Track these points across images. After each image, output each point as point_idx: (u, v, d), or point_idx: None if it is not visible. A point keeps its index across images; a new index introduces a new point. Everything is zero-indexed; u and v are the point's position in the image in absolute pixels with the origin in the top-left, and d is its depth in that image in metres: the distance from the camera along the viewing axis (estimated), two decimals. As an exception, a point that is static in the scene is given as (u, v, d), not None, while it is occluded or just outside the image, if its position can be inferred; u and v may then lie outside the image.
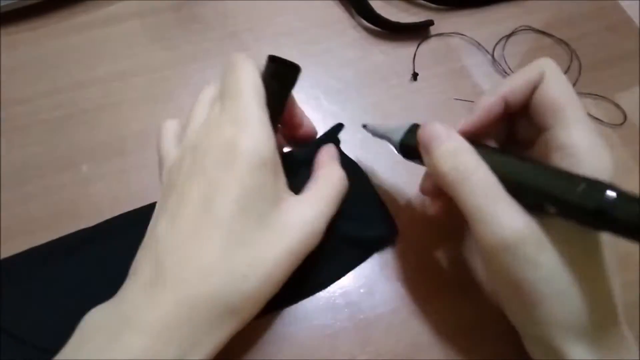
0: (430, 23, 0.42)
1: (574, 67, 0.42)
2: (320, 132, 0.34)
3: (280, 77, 0.28)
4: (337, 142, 0.34)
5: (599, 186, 0.21)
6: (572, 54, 0.43)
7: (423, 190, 0.31)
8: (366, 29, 0.43)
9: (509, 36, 0.43)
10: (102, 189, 0.35)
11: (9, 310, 0.30)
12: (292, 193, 0.27)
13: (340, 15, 0.43)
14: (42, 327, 0.29)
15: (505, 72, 0.42)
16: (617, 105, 0.41)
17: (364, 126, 0.33)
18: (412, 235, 0.34)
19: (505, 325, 0.32)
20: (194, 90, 0.30)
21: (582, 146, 0.24)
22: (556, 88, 0.25)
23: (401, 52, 0.42)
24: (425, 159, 0.27)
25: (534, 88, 0.26)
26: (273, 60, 0.27)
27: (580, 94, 0.41)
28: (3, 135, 0.35)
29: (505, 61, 0.42)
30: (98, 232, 0.33)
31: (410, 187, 0.36)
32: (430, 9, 0.44)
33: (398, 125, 0.30)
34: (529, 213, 0.23)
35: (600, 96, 0.41)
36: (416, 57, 0.42)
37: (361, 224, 0.33)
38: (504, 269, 0.23)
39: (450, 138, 0.26)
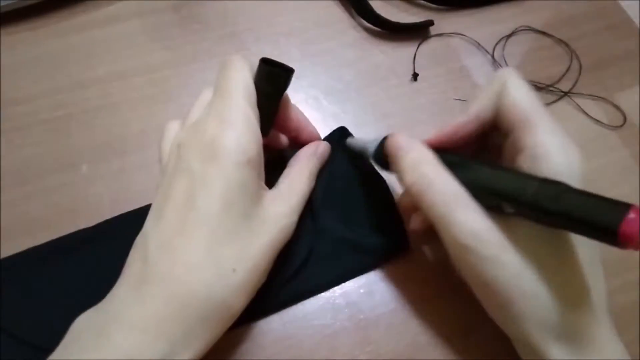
0: (430, 23, 0.42)
1: (574, 67, 0.42)
2: (321, 133, 0.34)
3: (272, 79, 0.28)
4: (341, 146, 0.35)
5: (551, 184, 0.22)
6: (572, 54, 0.43)
7: (402, 206, 0.31)
8: (366, 29, 0.43)
9: (509, 36, 0.43)
10: (102, 189, 0.35)
11: (9, 310, 0.30)
12: (267, 188, 0.28)
13: (340, 15, 0.43)
14: (42, 327, 0.29)
15: (505, 72, 0.42)
16: (617, 107, 0.41)
17: (346, 144, 0.34)
18: (411, 235, 0.34)
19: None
20: (194, 90, 0.30)
21: (547, 146, 0.24)
22: (517, 94, 0.26)
23: (401, 52, 0.42)
24: (394, 171, 0.28)
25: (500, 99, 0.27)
26: (266, 63, 0.27)
27: (580, 94, 0.41)
28: (3, 135, 0.35)
29: (506, 61, 0.42)
30: (98, 232, 0.33)
31: (410, 187, 0.36)
32: (430, 9, 0.44)
33: (375, 138, 0.31)
34: (494, 215, 0.24)
35: (600, 97, 0.41)
36: (416, 57, 0.42)
37: (370, 231, 0.33)
38: (472, 271, 0.24)
39: (411, 149, 0.27)
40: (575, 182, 0.22)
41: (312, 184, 0.31)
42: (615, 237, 0.19)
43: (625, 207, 0.19)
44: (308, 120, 0.33)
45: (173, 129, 0.29)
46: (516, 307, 0.24)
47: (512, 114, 0.26)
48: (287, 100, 0.30)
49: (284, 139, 0.33)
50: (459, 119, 0.27)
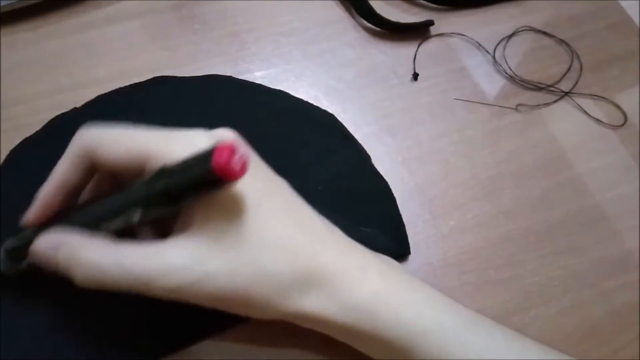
0: (430, 23, 0.42)
1: (575, 67, 0.42)
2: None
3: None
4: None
5: (155, 175, 0.22)
6: (573, 54, 0.43)
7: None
8: (366, 29, 0.43)
9: (509, 36, 0.43)
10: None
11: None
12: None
13: (340, 15, 0.43)
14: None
15: (506, 73, 0.42)
16: (618, 106, 0.41)
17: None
18: (411, 235, 0.34)
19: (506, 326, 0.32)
20: (194, 91, 0.30)
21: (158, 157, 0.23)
22: (118, 151, 0.24)
23: (401, 52, 0.42)
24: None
25: (87, 159, 0.24)
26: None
27: (580, 94, 0.41)
28: (3, 135, 0.35)
29: (506, 61, 0.42)
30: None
31: (411, 187, 0.36)
32: (430, 9, 0.44)
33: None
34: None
35: (601, 97, 0.41)
36: (416, 57, 0.42)
37: (371, 234, 0.33)
38: (189, 297, 0.23)
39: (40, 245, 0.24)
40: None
41: None
42: (215, 175, 0.19)
43: (210, 150, 0.20)
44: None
45: None
46: (250, 298, 0.23)
47: (120, 164, 0.23)
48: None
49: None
50: (44, 187, 0.25)
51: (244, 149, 0.20)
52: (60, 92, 0.37)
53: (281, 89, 0.39)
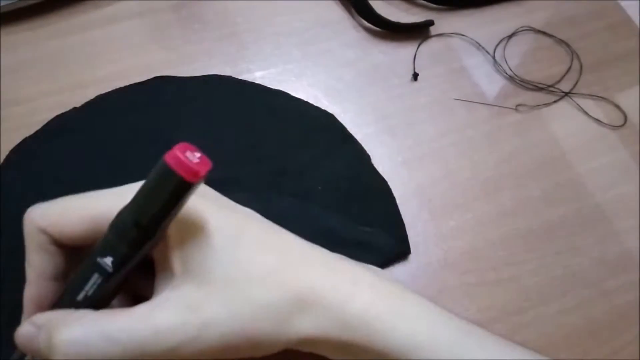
0: (430, 23, 0.42)
1: (575, 67, 0.42)
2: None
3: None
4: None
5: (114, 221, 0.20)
6: (573, 54, 0.43)
7: None
8: (366, 29, 0.43)
9: (509, 36, 0.43)
10: (102, 189, 0.34)
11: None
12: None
13: (340, 15, 0.43)
14: None
15: (506, 73, 0.42)
16: (618, 107, 0.41)
17: None
18: (411, 235, 0.34)
19: (506, 326, 0.32)
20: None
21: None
22: (74, 226, 0.22)
23: (401, 52, 0.42)
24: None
25: (46, 240, 0.22)
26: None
27: (581, 94, 0.41)
28: (3, 135, 0.35)
29: (506, 61, 0.42)
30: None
31: (411, 187, 0.36)
32: (430, 9, 0.44)
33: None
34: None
35: (601, 97, 0.41)
36: (416, 57, 0.42)
37: (372, 234, 0.33)
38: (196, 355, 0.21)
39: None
40: None
41: None
42: (176, 175, 0.18)
43: (161, 161, 0.18)
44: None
45: None
46: (254, 337, 0.21)
47: (77, 235, 0.22)
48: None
49: None
50: (25, 292, 0.22)
51: (194, 147, 0.19)
52: (60, 92, 0.37)
53: (281, 89, 0.39)
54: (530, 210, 0.36)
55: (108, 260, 0.20)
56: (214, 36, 0.41)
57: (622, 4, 0.46)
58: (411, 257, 0.34)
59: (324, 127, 0.37)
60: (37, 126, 0.35)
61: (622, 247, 0.36)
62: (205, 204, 0.22)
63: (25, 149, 0.34)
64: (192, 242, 0.21)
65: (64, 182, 0.33)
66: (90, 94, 0.37)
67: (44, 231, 0.22)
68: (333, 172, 0.34)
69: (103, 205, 0.21)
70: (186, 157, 0.18)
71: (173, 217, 0.20)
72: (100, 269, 0.20)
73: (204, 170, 0.18)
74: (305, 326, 0.22)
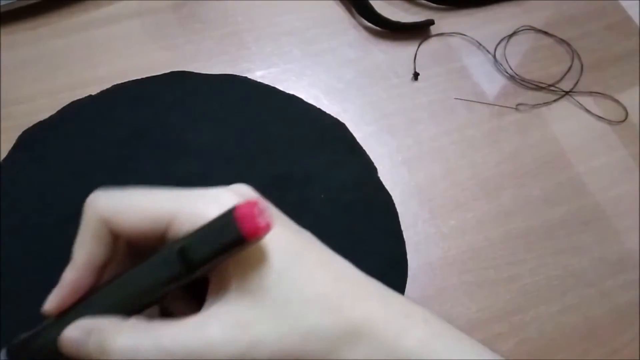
0: (430, 23, 0.42)
1: (576, 67, 0.42)
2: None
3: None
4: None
5: (176, 244, 0.20)
6: (574, 53, 0.43)
7: None
8: (367, 29, 0.43)
9: (510, 36, 0.43)
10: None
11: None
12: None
13: (340, 15, 0.43)
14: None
15: (507, 72, 0.41)
16: (618, 102, 0.41)
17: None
18: (411, 235, 0.34)
19: (506, 326, 0.32)
20: (194, 90, 0.30)
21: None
22: (132, 214, 0.22)
23: (402, 52, 0.42)
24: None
25: (106, 230, 0.22)
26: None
27: (581, 92, 0.41)
28: (3, 135, 0.35)
29: (507, 61, 0.42)
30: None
31: (411, 187, 0.36)
32: (430, 8, 0.44)
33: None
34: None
35: (601, 94, 0.41)
36: (417, 57, 0.42)
37: (372, 245, 0.33)
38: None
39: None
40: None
41: None
42: (243, 237, 0.18)
43: (230, 210, 0.19)
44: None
45: None
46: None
47: (140, 231, 0.22)
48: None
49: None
50: (68, 272, 0.23)
51: (265, 205, 0.19)
52: (60, 91, 0.37)
53: (281, 88, 0.39)
54: (531, 210, 0.36)
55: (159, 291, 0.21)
56: (215, 36, 0.41)
57: (622, 3, 0.46)
58: (411, 257, 0.33)
59: (334, 136, 0.37)
60: (37, 126, 0.35)
61: (622, 247, 0.36)
62: None
63: (39, 132, 0.34)
64: (250, 259, 0.21)
65: (74, 168, 0.33)
66: (91, 93, 0.37)
67: (106, 221, 0.22)
68: (338, 182, 0.34)
69: (173, 206, 0.22)
70: (257, 220, 0.18)
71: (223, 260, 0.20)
72: (152, 293, 0.21)
73: (266, 231, 0.19)
74: (355, 356, 0.22)
